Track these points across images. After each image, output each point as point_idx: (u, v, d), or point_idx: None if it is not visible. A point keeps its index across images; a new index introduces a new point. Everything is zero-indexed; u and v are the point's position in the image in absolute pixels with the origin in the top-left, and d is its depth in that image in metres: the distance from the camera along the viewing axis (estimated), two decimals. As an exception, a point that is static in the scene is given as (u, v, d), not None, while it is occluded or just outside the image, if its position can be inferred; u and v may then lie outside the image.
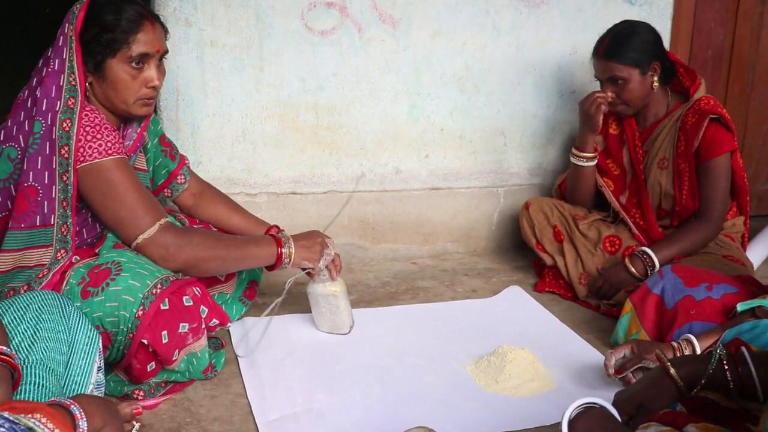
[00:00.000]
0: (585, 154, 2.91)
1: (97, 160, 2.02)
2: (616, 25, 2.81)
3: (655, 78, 2.78)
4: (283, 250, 2.29)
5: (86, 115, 2.03)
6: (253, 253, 2.27)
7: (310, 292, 2.48)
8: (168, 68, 2.80)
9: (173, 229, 2.13)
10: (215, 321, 2.16)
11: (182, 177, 2.46)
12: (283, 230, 2.50)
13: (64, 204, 2.03)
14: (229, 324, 2.22)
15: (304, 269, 2.39)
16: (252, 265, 2.38)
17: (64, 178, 2.01)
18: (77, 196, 2.06)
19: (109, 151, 2.04)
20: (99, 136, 2.03)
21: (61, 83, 2.02)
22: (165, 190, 2.45)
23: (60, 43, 2.05)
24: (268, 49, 2.93)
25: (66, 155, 2.00)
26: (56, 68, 2.03)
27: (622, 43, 2.73)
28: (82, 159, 2.02)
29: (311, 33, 2.96)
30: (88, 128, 2.02)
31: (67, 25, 2.06)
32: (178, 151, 2.48)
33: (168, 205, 2.52)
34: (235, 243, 2.26)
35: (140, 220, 2.07)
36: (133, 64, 2.09)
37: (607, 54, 2.74)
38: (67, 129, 2.00)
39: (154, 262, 2.07)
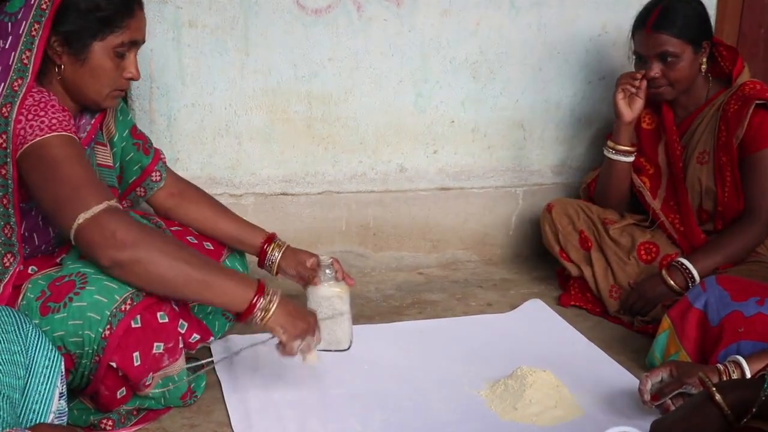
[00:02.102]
0: (619, 147, 2.89)
1: (38, 138, 1.95)
2: None
3: (704, 59, 2.77)
4: (259, 302, 2.07)
5: (32, 96, 1.99)
6: (221, 286, 2.04)
7: (309, 294, 2.43)
8: (140, 52, 2.80)
9: (124, 214, 1.99)
10: (196, 337, 2.14)
11: (157, 174, 2.44)
12: (277, 239, 2.51)
13: (5, 201, 1.99)
14: (211, 339, 2.20)
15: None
16: (216, 301, 2.09)
17: (2, 172, 1.97)
18: (25, 192, 2.01)
19: (54, 128, 1.97)
20: (43, 113, 1.97)
21: (10, 62, 1.99)
22: (138, 189, 2.43)
23: (20, 16, 2.01)
24: (254, 30, 2.92)
25: (4, 145, 1.95)
26: (7, 46, 2.00)
27: (676, 15, 2.71)
28: (22, 142, 1.95)
29: (303, 11, 2.96)
30: (31, 107, 1.97)
31: None
32: (152, 144, 2.47)
33: (140, 207, 2.51)
34: (203, 263, 2.06)
35: (83, 197, 1.92)
36: (118, 51, 2.09)
37: (659, 26, 2.71)
38: (5, 115, 1.95)
39: (93, 250, 1.92)
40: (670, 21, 2.70)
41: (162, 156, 2.49)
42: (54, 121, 1.97)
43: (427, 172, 3.26)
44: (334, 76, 3.05)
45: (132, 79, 2.16)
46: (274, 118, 3.03)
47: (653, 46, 2.73)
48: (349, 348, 2.50)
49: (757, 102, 2.68)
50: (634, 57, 2.85)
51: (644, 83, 2.79)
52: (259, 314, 2.07)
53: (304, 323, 2.14)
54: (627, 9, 3.06)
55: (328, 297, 2.39)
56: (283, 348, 2.13)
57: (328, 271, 2.44)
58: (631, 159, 2.90)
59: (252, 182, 3.07)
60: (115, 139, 2.33)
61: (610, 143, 2.92)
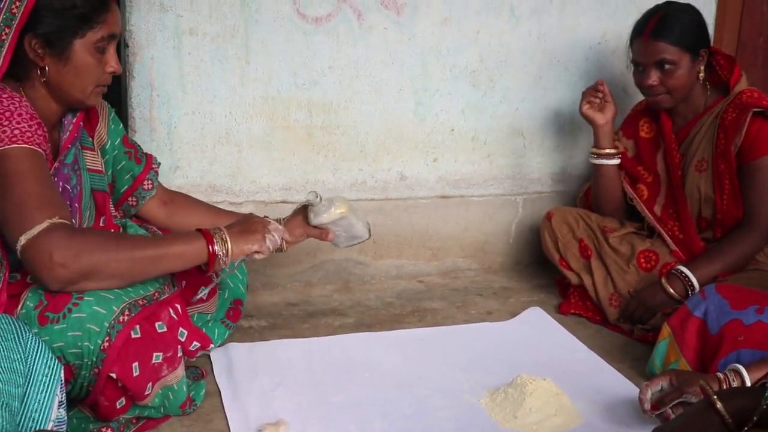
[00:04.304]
0: (601, 151, 2.94)
1: None
2: (660, 5, 2.81)
3: (702, 68, 2.77)
4: (216, 248, 2.10)
5: (0, 101, 1.96)
6: (172, 251, 2.06)
7: (316, 225, 2.43)
8: (141, 60, 2.81)
9: (64, 229, 1.91)
10: (196, 344, 2.13)
11: (149, 182, 2.44)
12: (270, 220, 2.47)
13: None
14: (211, 346, 2.20)
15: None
16: (177, 267, 2.12)
17: None
18: None
19: (14, 139, 1.93)
20: (6, 122, 1.94)
21: None
22: (130, 199, 2.42)
23: None
24: (254, 39, 2.92)
25: None
26: None
27: (674, 23, 2.71)
28: None
29: (304, 20, 2.96)
30: None
31: None
32: (143, 153, 2.46)
33: (131, 215, 2.49)
34: (145, 241, 2.10)
35: (25, 216, 1.88)
36: (99, 47, 2.07)
37: (657, 33, 2.72)
38: None
39: (38, 276, 1.89)
40: (668, 29, 2.70)
41: (154, 165, 2.47)
42: (16, 131, 1.94)
43: (427, 180, 3.26)
44: (335, 85, 3.05)
45: (114, 73, 2.13)
46: (275, 126, 3.03)
47: (651, 53, 2.73)
48: (370, 236, 2.55)
49: (755, 110, 2.68)
50: (632, 65, 2.85)
51: (606, 88, 2.90)
52: (222, 256, 2.11)
53: (257, 227, 2.21)
54: (627, 17, 3.07)
55: (335, 221, 2.41)
56: (261, 255, 2.20)
57: (320, 206, 2.40)
58: (615, 161, 2.94)
59: (252, 190, 3.06)
60: (106, 147, 2.32)
61: (592, 149, 2.97)
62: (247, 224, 2.22)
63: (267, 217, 2.32)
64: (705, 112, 2.83)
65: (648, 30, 2.73)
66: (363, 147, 3.14)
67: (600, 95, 2.90)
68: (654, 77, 2.75)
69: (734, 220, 2.75)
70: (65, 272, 1.88)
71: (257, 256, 2.21)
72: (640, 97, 3.03)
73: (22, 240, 1.87)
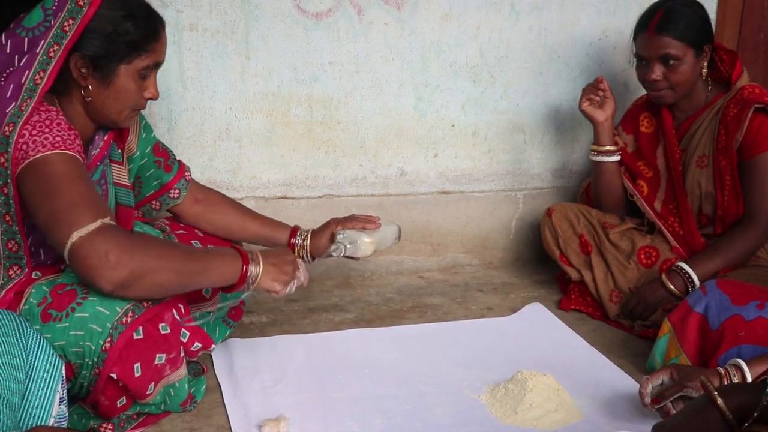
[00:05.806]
0: (601, 149, 2.93)
1: (40, 154, 1.91)
2: (663, 0, 2.80)
3: (705, 63, 2.77)
4: (250, 268, 2.11)
5: (38, 113, 1.96)
6: (215, 268, 2.08)
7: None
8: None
9: (117, 230, 1.92)
10: (198, 345, 2.13)
11: (176, 191, 2.43)
12: (300, 232, 2.58)
13: (8, 219, 1.97)
14: (212, 347, 2.20)
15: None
16: (213, 283, 2.14)
17: (5, 191, 1.94)
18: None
19: (56, 145, 1.93)
20: (47, 130, 1.94)
21: (23, 81, 1.95)
22: (153, 202, 2.43)
23: (37, 33, 1.97)
24: (255, 34, 2.92)
25: (5, 164, 1.92)
26: (21, 64, 1.97)
27: (679, 18, 2.71)
28: (24, 157, 1.91)
29: (304, 15, 2.95)
30: (36, 124, 1.94)
31: (68, 7, 1.97)
32: (175, 160, 2.45)
33: (152, 216, 2.49)
34: (193, 254, 2.10)
35: (78, 215, 1.87)
36: (142, 74, 2.08)
37: (662, 28, 2.71)
38: (7, 134, 1.91)
39: (89, 273, 1.86)
40: (673, 24, 2.70)
41: (186, 174, 2.47)
42: (57, 138, 1.94)
43: (427, 175, 3.26)
44: (335, 80, 3.05)
45: (151, 98, 2.15)
46: (275, 122, 3.03)
47: (656, 48, 2.73)
48: (400, 237, 2.69)
49: (756, 106, 2.68)
50: (635, 60, 2.85)
51: (606, 85, 2.89)
52: (250, 280, 2.12)
53: (290, 264, 2.21)
54: (627, 13, 3.06)
55: (365, 257, 2.54)
56: (277, 294, 2.20)
57: (351, 250, 2.51)
58: (616, 158, 2.93)
59: (252, 186, 3.06)
60: (134, 156, 2.33)
61: (592, 147, 2.96)
62: (281, 260, 2.20)
63: (299, 259, 2.35)
64: (706, 107, 2.82)
65: (653, 24, 2.73)
66: (363, 143, 3.14)
67: (600, 92, 2.89)
68: (658, 72, 2.74)
69: (735, 217, 2.75)
70: (119, 273, 1.86)
71: (273, 295, 2.22)
72: (641, 94, 3.03)
73: (74, 237, 1.85)
